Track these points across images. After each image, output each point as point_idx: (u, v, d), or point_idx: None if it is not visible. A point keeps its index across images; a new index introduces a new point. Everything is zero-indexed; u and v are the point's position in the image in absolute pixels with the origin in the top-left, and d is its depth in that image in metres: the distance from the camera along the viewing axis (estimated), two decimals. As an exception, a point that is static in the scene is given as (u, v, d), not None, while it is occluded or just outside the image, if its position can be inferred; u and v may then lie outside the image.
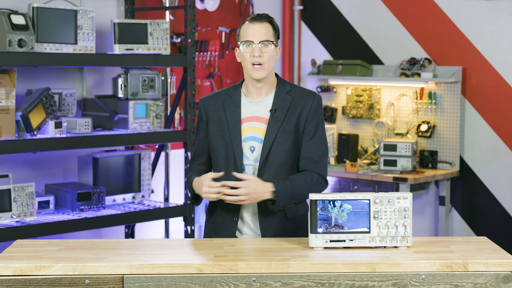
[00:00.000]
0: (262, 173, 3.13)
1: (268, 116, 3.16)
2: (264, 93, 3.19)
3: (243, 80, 3.24)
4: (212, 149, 3.22)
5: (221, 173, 3.10)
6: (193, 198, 3.21)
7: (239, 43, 3.15)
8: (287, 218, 3.18)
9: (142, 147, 5.24)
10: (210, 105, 3.22)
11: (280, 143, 3.13)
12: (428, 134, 5.78)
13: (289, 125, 3.15)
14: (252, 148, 3.16)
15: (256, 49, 3.10)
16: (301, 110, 3.17)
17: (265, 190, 3.04)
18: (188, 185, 3.24)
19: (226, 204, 3.15)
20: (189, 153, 4.90)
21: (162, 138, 4.85)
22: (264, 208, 3.14)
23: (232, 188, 3.03)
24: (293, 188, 3.09)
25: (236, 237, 3.18)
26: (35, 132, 4.27)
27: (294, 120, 3.16)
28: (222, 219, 3.20)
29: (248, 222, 3.18)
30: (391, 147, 5.64)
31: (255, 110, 3.18)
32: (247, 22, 3.15)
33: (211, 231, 3.25)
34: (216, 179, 3.08)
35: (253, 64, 3.11)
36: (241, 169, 3.14)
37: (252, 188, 3.02)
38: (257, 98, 3.19)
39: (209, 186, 3.05)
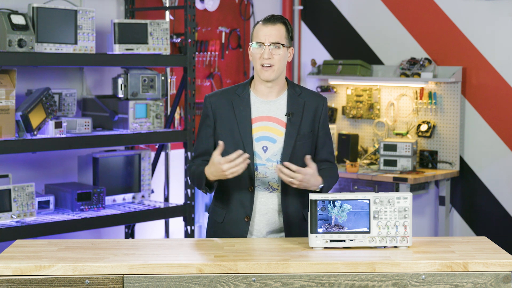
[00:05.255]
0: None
1: (282, 117, 3.17)
2: (274, 93, 3.19)
3: (251, 78, 3.24)
4: None
5: (222, 146, 3.02)
6: (207, 185, 3.11)
7: (251, 43, 3.16)
8: (305, 220, 3.20)
9: (142, 147, 5.24)
10: (218, 103, 3.20)
11: (300, 147, 3.16)
12: (428, 134, 5.78)
13: (305, 129, 3.18)
14: (264, 148, 3.16)
15: (266, 51, 3.10)
16: (314, 114, 3.21)
17: (315, 184, 3.07)
18: (198, 174, 3.13)
19: (237, 203, 3.16)
20: (189, 153, 4.90)
21: (162, 138, 4.85)
22: (287, 209, 3.16)
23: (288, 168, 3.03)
24: (330, 184, 3.18)
25: (246, 237, 3.17)
26: (35, 132, 4.27)
27: (308, 123, 3.19)
28: (232, 219, 3.18)
29: (259, 223, 3.18)
30: (391, 147, 5.64)
31: (267, 109, 3.18)
32: (260, 22, 3.16)
33: (218, 231, 3.21)
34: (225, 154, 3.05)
35: (262, 65, 3.12)
36: (253, 169, 3.13)
37: (307, 178, 3.03)
38: (268, 98, 3.19)
39: (229, 162, 2.98)
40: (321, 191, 3.12)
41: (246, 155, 3.01)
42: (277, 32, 3.12)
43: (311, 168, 3.04)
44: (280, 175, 3.02)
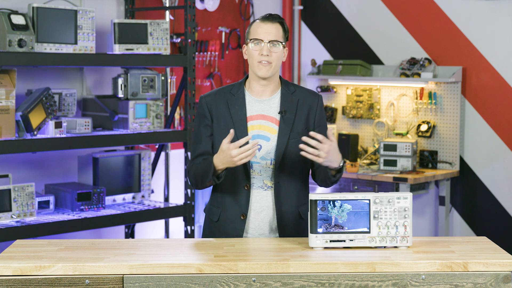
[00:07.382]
0: (279, 176, 3.14)
1: (275, 115, 3.18)
2: (269, 92, 3.20)
3: (246, 78, 3.25)
4: (217, 147, 3.17)
5: (232, 133, 3.01)
6: (214, 175, 3.08)
7: (248, 40, 3.17)
8: (301, 218, 3.19)
9: (142, 147, 5.24)
10: (214, 103, 3.20)
11: (294, 145, 3.15)
12: (428, 134, 5.78)
13: (299, 126, 3.18)
14: (259, 146, 3.16)
15: (265, 48, 3.11)
16: (308, 111, 3.21)
17: (337, 159, 3.05)
18: (204, 166, 3.10)
19: (232, 201, 3.16)
20: (189, 153, 4.90)
21: (162, 138, 4.85)
22: (281, 208, 3.16)
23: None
24: (342, 170, 3.15)
25: (242, 236, 3.17)
26: (35, 132, 4.27)
27: (303, 121, 3.19)
28: (228, 217, 3.18)
29: (254, 221, 3.18)
30: (391, 147, 5.64)
31: (261, 108, 3.19)
32: (258, 20, 3.17)
33: (214, 230, 3.22)
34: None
35: (260, 62, 3.12)
36: (248, 167, 3.14)
37: (332, 150, 3.01)
38: (262, 96, 3.20)
39: (237, 147, 2.95)
40: (341, 171, 3.10)
41: (256, 141, 3.02)
42: (276, 30, 3.14)
43: (333, 141, 3.02)
44: (306, 149, 2.98)
